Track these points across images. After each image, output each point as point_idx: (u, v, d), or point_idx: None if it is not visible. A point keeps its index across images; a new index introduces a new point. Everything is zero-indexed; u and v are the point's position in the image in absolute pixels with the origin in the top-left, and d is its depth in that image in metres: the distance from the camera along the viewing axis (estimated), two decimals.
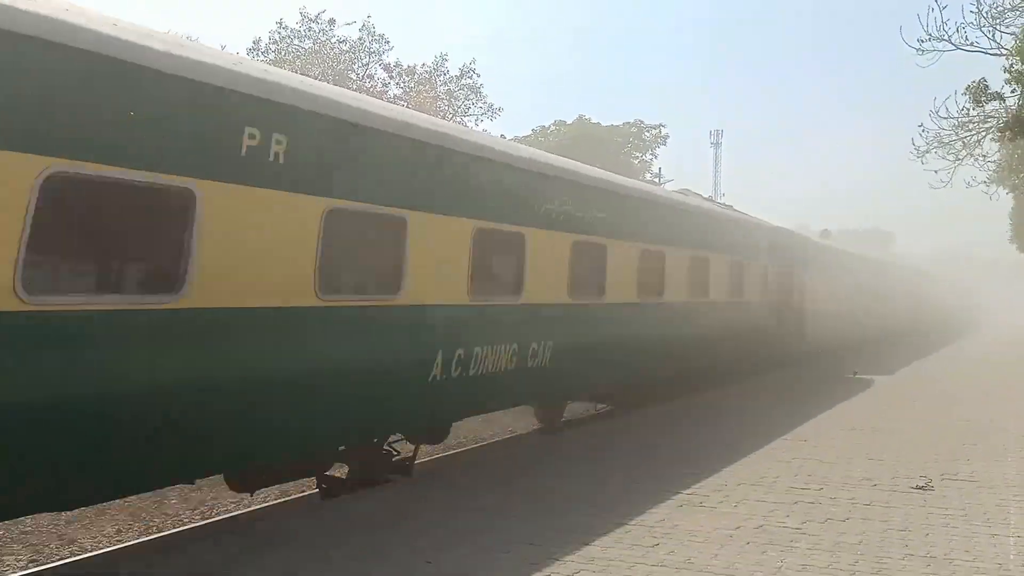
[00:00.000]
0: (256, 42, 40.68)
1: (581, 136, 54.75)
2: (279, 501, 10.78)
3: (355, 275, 8.45)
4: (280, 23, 40.87)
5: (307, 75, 15.83)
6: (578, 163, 13.67)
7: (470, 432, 14.98)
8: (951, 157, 22.52)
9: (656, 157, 61.42)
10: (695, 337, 16.26)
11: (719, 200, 32.15)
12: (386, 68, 42.49)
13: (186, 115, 6.37)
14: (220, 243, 6.51)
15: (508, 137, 43.98)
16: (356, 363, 7.88)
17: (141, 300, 6.23)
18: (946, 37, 18.39)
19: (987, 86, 17.66)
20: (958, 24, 18.65)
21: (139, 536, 9.60)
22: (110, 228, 6.29)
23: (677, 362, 15.75)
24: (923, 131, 22.17)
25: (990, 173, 26.38)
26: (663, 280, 14.64)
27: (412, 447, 10.01)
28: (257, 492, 11.10)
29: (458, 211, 9.38)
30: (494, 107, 45.01)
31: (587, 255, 12.17)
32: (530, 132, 58.31)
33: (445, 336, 9.11)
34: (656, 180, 51.01)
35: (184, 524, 10.10)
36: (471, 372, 9.43)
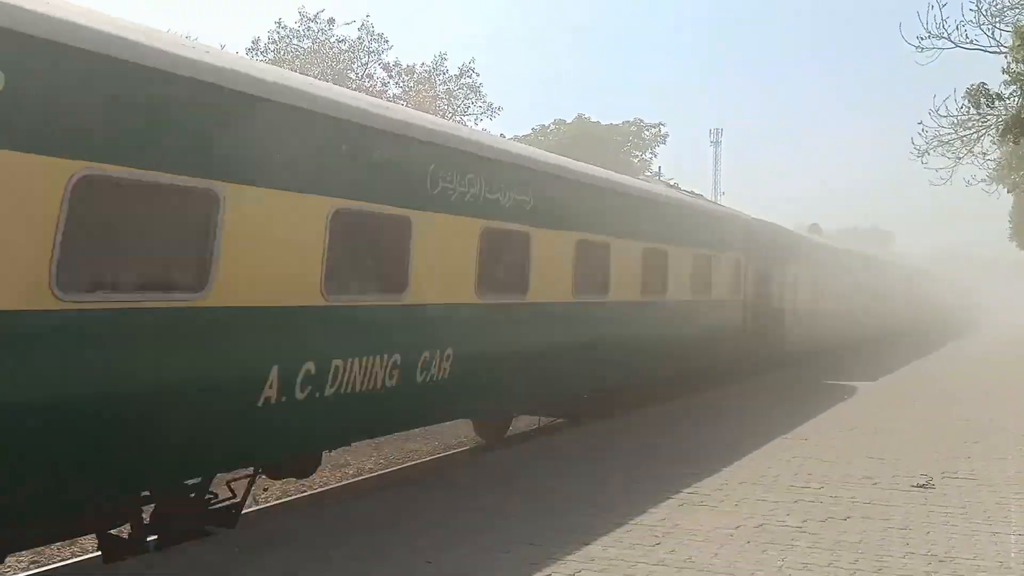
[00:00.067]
0: (255, 42, 40.71)
1: (580, 135, 54.76)
2: (279, 501, 10.78)
3: (132, 267, 6.40)
4: (279, 23, 40.88)
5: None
6: (492, 135, 12.72)
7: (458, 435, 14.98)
8: (951, 156, 22.52)
9: (656, 156, 61.53)
10: (652, 340, 14.53)
11: (719, 198, 31.81)
12: (385, 67, 42.52)
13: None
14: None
15: (508, 136, 44.04)
16: (139, 384, 6.11)
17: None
18: (946, 35, 18.43)
19: (987, 89, 17.67)
20: (958, 22, 18.67)
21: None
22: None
23: (630, 370, 14.09)
24: (923, 130, 22.18)
25: (990, 172, 26.40)
26: (608, 276, 12.91)
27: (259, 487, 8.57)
28: (258, 492, 11.11)
29: (309, 187, 7.36)
30: (493, 106, 45.04)
31: (504, 246, 10.51)
32: (530, 131, 58.38)
33: (285, 347, 7.15)
34: (657, 179, 50.98)
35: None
36: (327, 392, 7.49)
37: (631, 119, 60.82)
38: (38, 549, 8.95)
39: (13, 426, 5.34)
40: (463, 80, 44.22)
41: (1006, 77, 16.68)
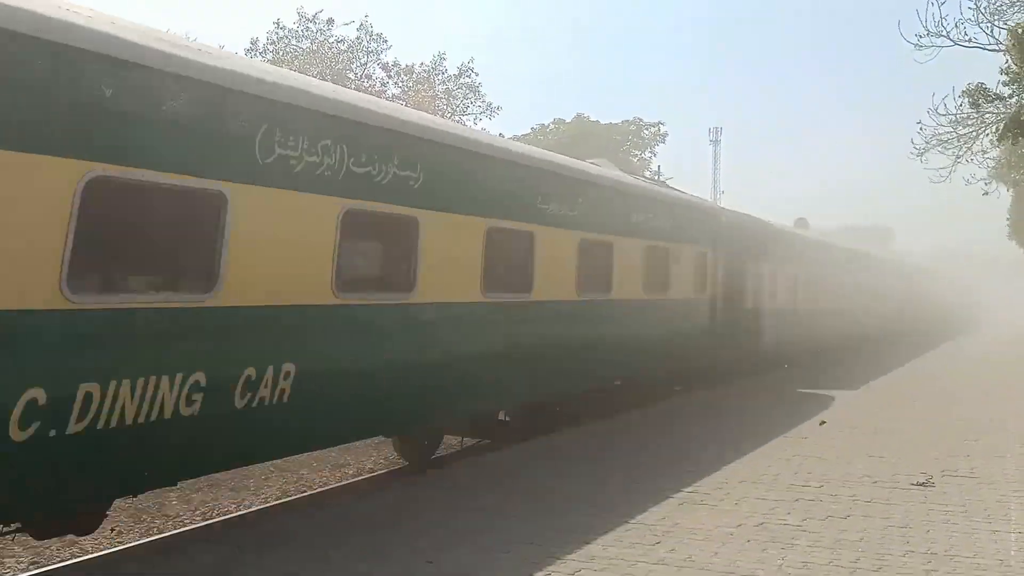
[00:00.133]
0: (254, 42, 40.66)
1: (580, 134, 54.75)
2: (279, 501, 10.78)
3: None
4: (278, 23, 40.84)
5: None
6: (366, 97, 10.27)
7: None
8: (950, 154, 22.52)
9: (655, 155, 61.45)
10: (592, 346, 12.76)
11: (719, 197, 31.52)
12: (384, 67, 42.48)
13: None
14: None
15: (508, 136, 43.98)
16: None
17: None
18: (944, 33, 18.42)
19: (986, 89, 17.67)
20: (956, 20, 18.67)
21: (140, 537, 9.59)
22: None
23: (567, 380, 12.34)
24: (921, 128, 22.18)
25: (989, 170, 26.39)
26: (532, 271, 11.13)
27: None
28: (258, 492, 11.12)
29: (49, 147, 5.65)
30: (493, 106, 45.00)
31: (380, 232, 8.90)
32: (529, 130, 58.35)
33: None
34: (656, 178, 51.00)
35: (185, 525, 10.09)
36: (74, 428, 5.67)
37: (630, 118, 60.87)
38: (39, 550, 8.96)
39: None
40: (462, 80, 44.18)
41: (1004, 77, 16.68)
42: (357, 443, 11.85)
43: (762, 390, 18.55)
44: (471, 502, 8.47)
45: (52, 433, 5.57)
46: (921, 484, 9.33)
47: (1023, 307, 78.98)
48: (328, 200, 7.65)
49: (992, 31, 18.09)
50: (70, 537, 9.35)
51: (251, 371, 6.95)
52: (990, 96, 18.23)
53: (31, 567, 8.46)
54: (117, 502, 10.26)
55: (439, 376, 9.33)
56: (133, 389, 6.04)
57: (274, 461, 11.54)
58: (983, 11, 18.27)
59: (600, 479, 9.52)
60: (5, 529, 6.43)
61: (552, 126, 59.11)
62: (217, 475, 11.22)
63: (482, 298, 9.95)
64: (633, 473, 9.84)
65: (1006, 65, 16.36)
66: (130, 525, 10.08)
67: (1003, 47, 16.79)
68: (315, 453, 11.90)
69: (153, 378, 6.18)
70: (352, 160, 7.94)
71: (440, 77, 43.67)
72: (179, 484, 8.49)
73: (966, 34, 18.43)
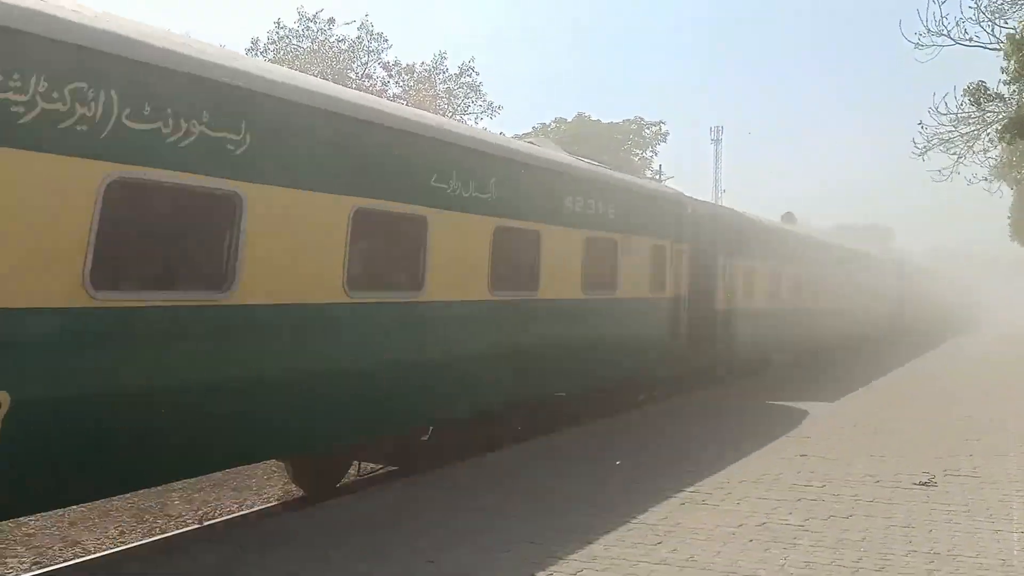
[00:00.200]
0: (255, 42, 40.68)
1: (581, 133, 54.73)
2: (279, 501, 10.78)
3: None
4: (278, 23, 40.85)
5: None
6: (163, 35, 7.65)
7: None
8: (952, 153, 22.49)
9: (656, 154, 61.39)
10: (509, 353, 10.81)
11: (720, 196, 31.04)
12: (385, 67, 42.49)
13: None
14: None
15: (508, 135, 44.00)
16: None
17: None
18: (945, 32, 18.39)
19: (986, 87, 17.66)
20: (957, 19, 18.66)
21: (142, 537, 9.59)
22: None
23: (478, 395, 10.52)
24: (923, 128, 22.15)
25: (991, 169, 26.37)
26: (424, 264, 9.25)
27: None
28: (259, 491, 11.12)
29: None
30: (494, 105, 45.00)
31: (184, 213, 7.00)
32: (531, 129, 58.32)
33: None
34: (657, 177, 51.01)
35: (186, 525, 10.09)
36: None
37: (631, 117, 60.83)
38: (40, 549, 8.96)
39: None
40: (463, 79, 44.20)
41: (1005, 76, 16.66)
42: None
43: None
44: (471, 502, 8.46)
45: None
46: (923, 484, 9.31)
47: (1023, 307, 78.93)
48: (88, 164, 6.03)
49: (993, 30, 18.07)
50: (70, 537, 9.38)
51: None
52: (991, 95, 18.21)
53: (33, 567, 8.47)
54: (117, 502, 10.30)
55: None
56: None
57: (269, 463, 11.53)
58: (984, 10, 18.25)
59: (600, 478, 9.51)
60: None
61: (553, 125, 59.06)
62: (218, 475, 11.24)
63: (346, 298, 8.15)
64: (634, 472, 9.83)
65: (1007, 65, 16.34)
66: (132, 525, 10.08)
67: (1004, 46, 16.77)
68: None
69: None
70: (131, 114, 6.31)
71: (441, 76, 43.71)
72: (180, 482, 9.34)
73: (967, 33, 18.42)
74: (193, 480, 10.63)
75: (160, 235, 6.95)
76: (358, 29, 41.51)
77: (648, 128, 60.90)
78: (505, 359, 10.76)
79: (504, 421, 11.59)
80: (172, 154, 6.48)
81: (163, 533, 9.72)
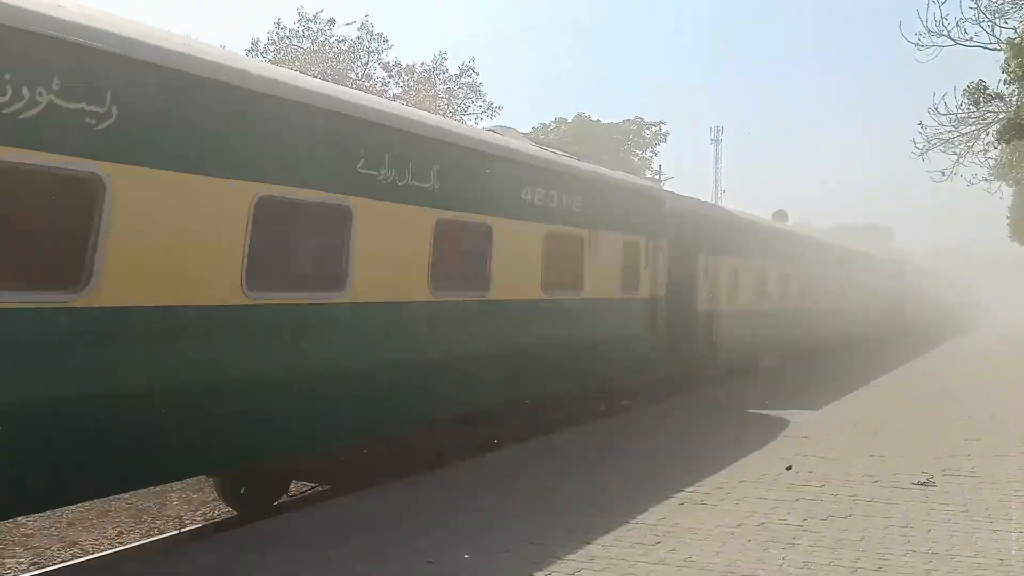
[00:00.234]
0: (255, 42, 40.69)
1: (581, 133, 54.75)
2: (279, 502, 10.76)
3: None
4: (278, 23, 40.86)
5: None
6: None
7: None
8: (952, 153, 22.49)
9: (656, 154, 61.40)
10: (456, 362, 9.78)
11: (720, 197, 30.58)
12: (385, 67, 42.50)
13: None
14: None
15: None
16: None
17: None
18: (945, 32, 18.40)
19: (986, 87, 17.66)
20: (957, 19, 18.65)
21: (140, 538, 9.60)
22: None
23: (415, 407, 9.40)
24: (923, 128, 22.15)
25: (990, 169, 26.36)
26: (347, 260, 8.18)
27: None
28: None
29: None
30: (494, 105, 45.00)
31: (32, 198, 5.89)
32: (531, 129, 58.34)
33: None
34: (657, 178, 51.01)
35: (185, 525, 10.10)
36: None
37: (631, 117, 60.84)
38: (39, 550, 8.97)
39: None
40: (463, 79, 44.20)
41: (1005, 76, 16.66)
42: None
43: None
44: (471, 502, 8.46)
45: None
46: (922, 483, 9.32)
47: (1023, 307, 78.89)
48: None
49: (993, 30, 18.08)
50: (70, 538, 9.39)
51: None
52: (990, 95, 18.21)
53: (32, 567, 8.47)
54: (117, 502, 10.31)
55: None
56: None
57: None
58: (984, 10, 18.26)
59: (600, 478, 9.52)
60: None
61: (553, 125, 59.09)
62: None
63: (244, 300, 7.14)
64: (633, 472, 9.84)
65: (1007, 66, 16.34)
66: (131, 525, 10.09)
67: (1004, 47, 16.78)
68: None
69: None
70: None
71: (441, 77, 43.71)
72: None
73: (967, 33, 18.43)
74: (193, 480, 10.62)
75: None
76: (358, 30, 41.55)
77: (648, 128, 60.90)
78: (448, 367, 9.67)
79: (452, 433, 10.55)
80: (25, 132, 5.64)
81: (162, 533, 9.73)
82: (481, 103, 44.63)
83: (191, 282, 6.76)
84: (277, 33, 40.76)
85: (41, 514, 9.37)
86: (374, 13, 48.51)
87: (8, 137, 5.42)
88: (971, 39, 18.35)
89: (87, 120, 5.89)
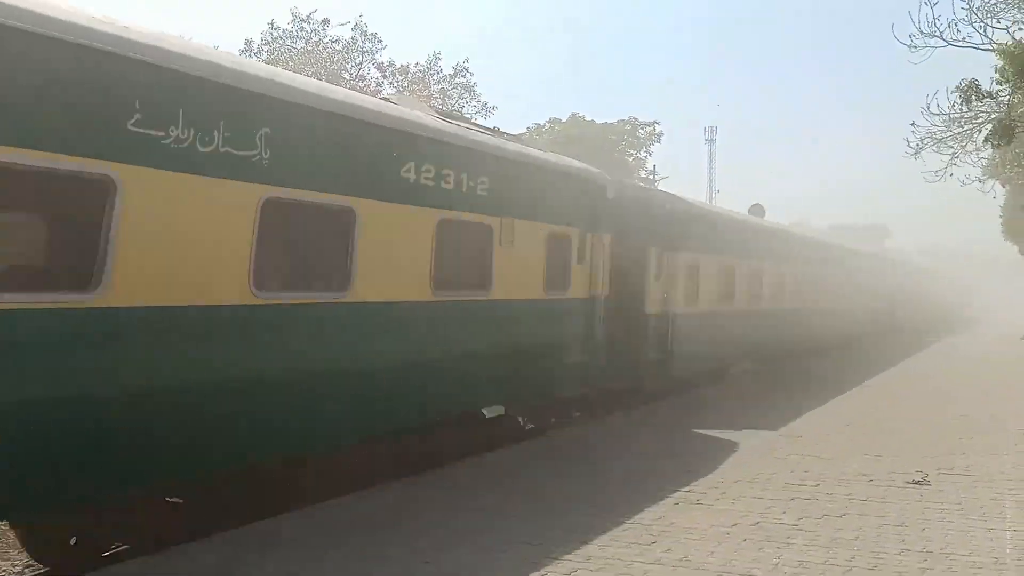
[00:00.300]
0: (248, 43, 40.64)
1: (575, 134, 54.77)
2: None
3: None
4: (272, 23, 40.83)
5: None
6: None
7: None
8: (945, 153, 22.53)
9: (650, 155, 61.45)
10: (298, 381, 7.78)
11: (714, 196, 29.69)
12: (379, 67, 42.48)
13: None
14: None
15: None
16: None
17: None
18: (938, 33, 18.41)
19: (978, 85, 17.70)
20: (950, 20, 18.68)
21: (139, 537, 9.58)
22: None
23: (238, 443, 7.44)
24: (915, 128, 22.19)
25: (984, 168, 26.41)
26: (105, 249, 6.09)
27: None
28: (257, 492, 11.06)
29: None
30: (488, 105, 44.98)
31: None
32: (525, 130, 58.33)
33: None
34: (651, 178, 51.06)
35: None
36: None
37: (625, 117, 60.85)
38: (36, 551, 8.94)
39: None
40: (457, 80, 44.19)
41: (997, 76, 16.72)
42: None
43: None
44: (471, 502, 8.50)
45: None
46: (917, 482, 9.38)
47: (1023, 307, 78.98)
48: None
49: (985, 30, 18.12)
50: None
51: None
52: (983, 94, 18.25)
53: (26, 570, 8.46)
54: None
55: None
56: None
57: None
58: (976, 11, 18.29)
59: (598, 478, 9.57)
60: None
61: (548, 125, 59.11)
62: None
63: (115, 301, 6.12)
64: (630, 472, 9.88)
65: (1000, 66, 16.41)
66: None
67: (997, 47, 16.84)
68: None
69: None
70: None
71: (435, 77, 43.69)
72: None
73: (959, 33, 18.46)
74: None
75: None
76: (352, 30, 41.52)
77: (642, 128, 60.94)
78: (285, 389, 7.66)
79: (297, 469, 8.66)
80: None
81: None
82: (475, 103, 44.63)
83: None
84: (271, 33, 40.74)
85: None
86: (371, 13, 48.83)
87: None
88: (963, 40, 18.40)
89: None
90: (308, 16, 40.67)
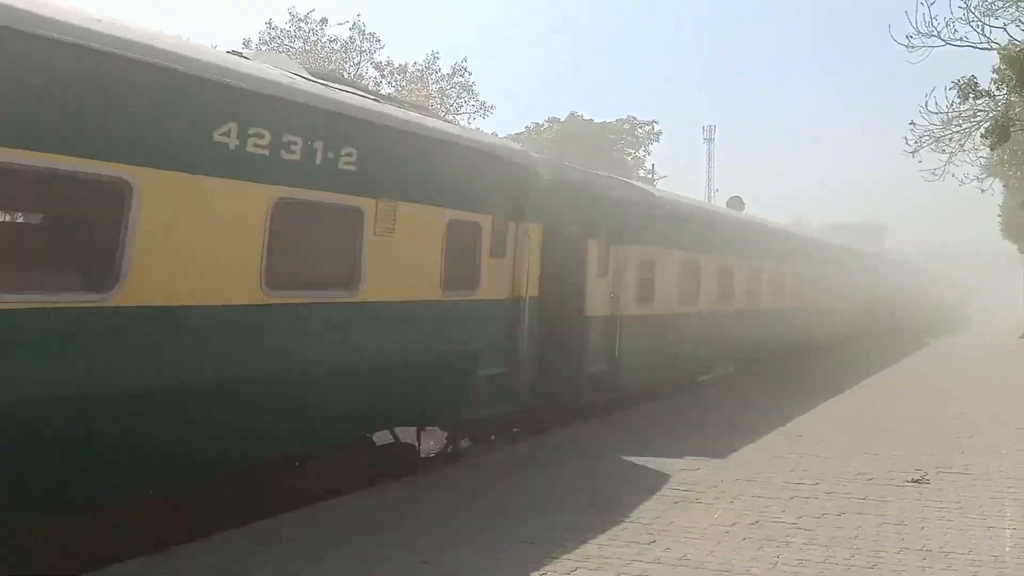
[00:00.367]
0: (246, 43, 40.60)
1: (574, 133, 54.78)
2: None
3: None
4: (269, 23, 40.80)
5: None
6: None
7: None
8: (944, 151, 22.54)
9: (649, 154, 61.45)
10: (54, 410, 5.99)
11: (713, 196, 28.90)
12: (377, 67, 42.47)
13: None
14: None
15: (501, 135, 43.85)
16: None
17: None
18: (935, 33, 18.44)
19: (976, 83, 17.71)
20: (947, 19, 18.70)
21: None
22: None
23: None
24: (913, 127, 22.20)
25: (982, 167, 26.42)
26: None
27: None
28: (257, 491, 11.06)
29: None
30: (486, 105, 44.98)
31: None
32: (524, 129, 58.35)
33: None
34: (649, 176, 51.06)
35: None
36: None
37: (624, 117, 60.84)
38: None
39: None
40: (455, 79, 44.18)
41: (995, 75, 16.75)
42: None
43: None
44: (471, 502, 8.50)
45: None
46: (916, 481, 9.38)
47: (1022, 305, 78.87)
48: None
49: (983, 29, 18.14)
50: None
51: None
52: (980, 93, 18.26)
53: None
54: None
55: None
56: None
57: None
58: (973, 10, 18.31)
59: (597, 477, 9.57)
60: None
61: (546, 125, 59.11)
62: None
63: None
64: (629, 471, 9.90)
65: (998, 66, 16.43)
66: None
67: (996, 46, 16.86)
68: None
69: None
70: None
71: (434, 76, 43.69)
72: None
73: (956, 32, 18.49)
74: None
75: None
76: (350, 29, 41.52)
77: (641, 127, 60.94)
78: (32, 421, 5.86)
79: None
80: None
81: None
82: (474, 103, 44.63)
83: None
84: (268, 33, 40.71)
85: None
86: (370, 12, 48.87)
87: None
88: (961, 39, 18.42)
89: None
90: (306, 16, 40.67)
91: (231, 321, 7.16)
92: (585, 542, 7.10)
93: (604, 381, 13.87)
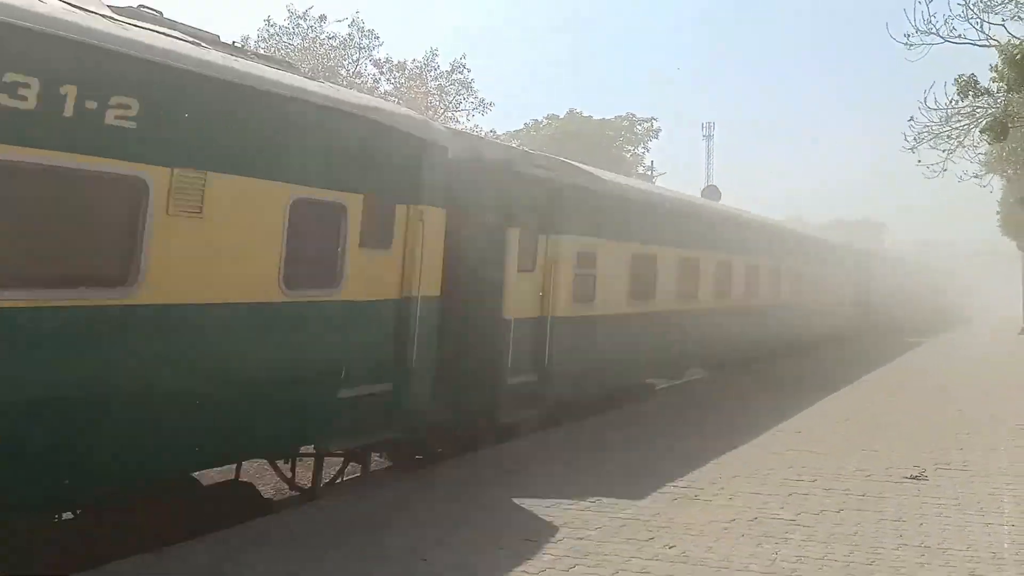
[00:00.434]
0: (245, 39, 40.54)
1: (572, 130, 54.75)
2: (278, 500, 10.74)
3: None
4: (268, 20, 40.76)
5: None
6: None
7: None
8: (943, 148, 22.50)
9: (648, 151, 61.40)
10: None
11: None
12: (376, 64, 42.41)
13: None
14: None
15: (500, 132, 43.90)
16: None
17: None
18: (934, 30, 18.39)
19: (976, 81, 17.68)
20: (946, 17, 18.66)
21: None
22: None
23: None
24: (912, 124, 22.15)
25: (981, 164, 26.39)
26: None
27: None
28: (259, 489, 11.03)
29: None
30: (485, 102, 44.92)
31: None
32: (522, 126, 58.33)
33: None
34: (648, 173, 51.03)
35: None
36: None
37: (623, 114, 60.79)
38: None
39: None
40: (454, 76, 44.12)
41: (994, 74, 16.72)
42: None
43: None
44: (470, 500, 8.48)
45: None
46: (914, 477, 9.38)
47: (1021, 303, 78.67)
48: None
49: (982, 26, 18.10)
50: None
51: None
52: (979, 91, 18.23)
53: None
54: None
55: None
56: None
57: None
58: (972, 7, 18.26)
59: (596, 474, 9.54)
60: None
61: (545, 122, 59.09)
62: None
63: None
64: (628, 468, 9.87)
65: (997, 64, 16.39)
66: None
67: (995, 43, 16.82)
68: None
69: None
70: None
71: (432, 73, 43.63)
72: None
73: (955, 30, 18.44)
74: None
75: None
76: (349, 26, 41.45)
77: (640, 124, 60.91)
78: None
79: None
80: None
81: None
82: (472, 99, 44.57)
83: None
84: (267, 30, 40.67)
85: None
86: (369, 10, 48.67)
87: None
88: (960, 36, 18.38)
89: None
90: (305, 13, 40.62)
91: None
92: (584, 539, 7.06)
93: (531, 394, 11.84)
